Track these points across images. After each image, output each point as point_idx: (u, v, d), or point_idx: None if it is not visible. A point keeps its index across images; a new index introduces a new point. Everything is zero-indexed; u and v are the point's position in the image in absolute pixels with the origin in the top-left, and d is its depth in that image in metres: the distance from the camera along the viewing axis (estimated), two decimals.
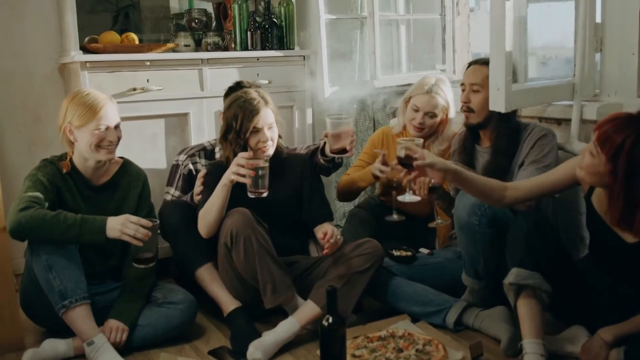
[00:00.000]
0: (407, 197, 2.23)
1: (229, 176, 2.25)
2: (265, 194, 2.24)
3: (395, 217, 2.29)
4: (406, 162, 1.97)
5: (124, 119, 2.79)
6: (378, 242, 2.39)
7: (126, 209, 2.34)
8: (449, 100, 2.72)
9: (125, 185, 2.39)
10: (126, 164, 2.44)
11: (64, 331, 2.20)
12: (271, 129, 2.42)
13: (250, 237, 2.23)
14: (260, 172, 2.21)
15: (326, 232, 2.34)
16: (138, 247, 2.09)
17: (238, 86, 2.69)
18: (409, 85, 3.29)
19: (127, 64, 2.82)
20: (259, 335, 2.25)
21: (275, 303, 2.27)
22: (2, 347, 2.25)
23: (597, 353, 1.96)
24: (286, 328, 2.22)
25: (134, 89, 2.82)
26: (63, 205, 2.22)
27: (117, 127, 2.29)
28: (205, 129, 2.99)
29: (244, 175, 2.20)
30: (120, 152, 2.80)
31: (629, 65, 2.48)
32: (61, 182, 2.26)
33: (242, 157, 2.22)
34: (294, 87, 3.24)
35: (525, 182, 2.14)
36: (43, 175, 2.22)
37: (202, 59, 3.00)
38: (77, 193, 2.29)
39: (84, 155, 2.28)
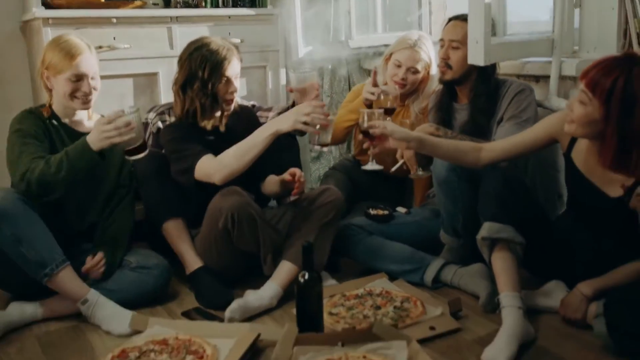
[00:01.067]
0: (369, 166, 2.22)
1: (286, 123, 2.11)
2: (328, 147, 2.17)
3: (369, 166, 2.22)
4: (369, 132, 2.05)
5: None
6: (337, 189, 2.35)
7: (113, 160, 2.28)
8: (432, 57, 2.67)
9: None
10: None
11: (31, 295, 2.13)
12: (237, 79, 2.35)
13: (252, 215, 2.17)
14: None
15: (294, 172, 2.33)
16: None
17: None
18: (385, 45, 3.24)
19: (92, 21, 2.70)
20: (228, 292, 2.23)
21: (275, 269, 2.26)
22: None
23: (577, 307, 1.96)
24: (269, 294, 2.18)
25: (100, 47, 2.70)
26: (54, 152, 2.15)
27: (93, 78, 2.20)
28: None
29: (306, 123, 2.09)
30: None
31: (608, 21, 2.44)
32: (49, 128, 2.19)
33: (311, 105, 2.10)
34: (267, 47, 3.15)
35: (501, 142, 2.11)
36: (28, 127, 2.14)
37: (171, 17, 2.89)
38: (60, 140, 2.21)
39: (62, 103, 2.21)
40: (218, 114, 2.37)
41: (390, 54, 2.70)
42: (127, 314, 2.05)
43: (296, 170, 2.34)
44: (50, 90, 2.22)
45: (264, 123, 2.59)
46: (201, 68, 2.26)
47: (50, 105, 2.24)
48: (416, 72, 2.65)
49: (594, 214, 2.03)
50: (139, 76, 2.85)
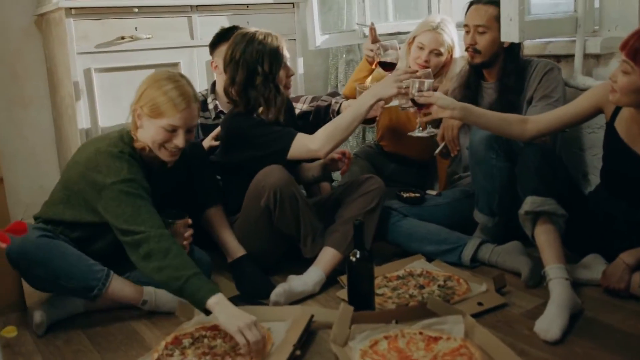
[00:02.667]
0: (417, 133, 2.22)
1: (389, 90, 2.12)
2: None
3: (417, 133, 2.21)
4: (417, 101, 2.06)
5: (112, 69, 2.71)
6: (378, 177, 2.36)
7: (177, 184, 2.24)
8: (454, 39, 2.68)
9: (178, 165, 2.16)
10: None
11: None
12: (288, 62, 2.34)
13: (294, 194, 2.17)
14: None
15: (344, 151, 2.37)
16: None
17: (230, 30, 2.60)
18: (398, 33, 3.26)
19: (114, 11, 2.68)
20: (270, 282, 2.21)
21: (315, 252, 2.25)
22: (5, 307, 2.15)
23: (620, 277, 1.98)
24: (313, 279, 2.17)
25: (122, 38, 2.69)
26: None
27: (190, 130, 2.02)
28: (196, 80, 2.88)
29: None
30: (110, 104, 2.72)
31: None
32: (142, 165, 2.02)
33: (405, 70, 2.15)
34: (284, 36, 3.12)
35: (546, 115, 2.14)
36: (141, 179, 1.94)
37: (191, 6, 2.88)
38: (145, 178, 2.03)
39: (147, 144, 2.02)
40: (282, 103, 2.31)
41: (413, 37, 2.71)
42: None
43: (345, 149, 2.36)
44: (136, 127, 2.01)
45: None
46: (259, 62, 2.22)
47: (136, 139, 2.02)
48: (439, 54, 2.66)
49: (633, 184, 2.05)
50: (161, 66, 2.81)
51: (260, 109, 2.27)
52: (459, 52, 2.70)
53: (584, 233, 2.16)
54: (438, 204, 2.52)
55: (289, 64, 2.32)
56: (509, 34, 2.21)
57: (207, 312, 1.75)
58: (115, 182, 1.89)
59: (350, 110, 2.20)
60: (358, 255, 1.85)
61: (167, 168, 2.09)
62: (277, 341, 1.79)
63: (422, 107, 2.07)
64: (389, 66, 2.43)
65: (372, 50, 2.48)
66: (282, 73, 2.28)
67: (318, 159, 2.31)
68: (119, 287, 2.01)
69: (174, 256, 1.79)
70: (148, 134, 1.99)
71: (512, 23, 2.18)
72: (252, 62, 2.23)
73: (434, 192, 2.61)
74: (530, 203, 2.03)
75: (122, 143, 2.00)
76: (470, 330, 1.75)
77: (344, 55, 3.39)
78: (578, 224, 2.12)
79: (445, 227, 2.42)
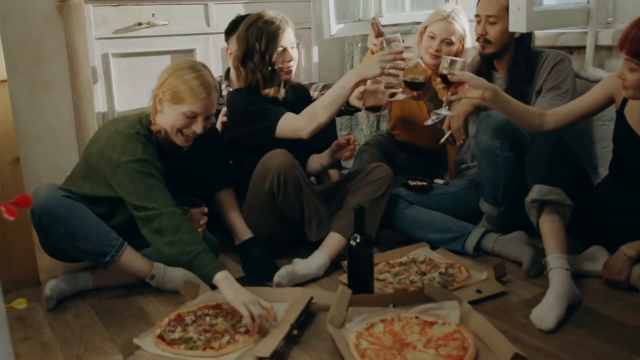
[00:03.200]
0: (444, 111, 2.21)
1: (373, 70, 2.15)
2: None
3: (443, 111, 2.19)
4: (447, 78, 2.04)
5: (129, 54, 2.77)
6: (387, 166, 2.39)
7: (193, 166, 2.31)
8: (466, 29, 2.69)
9: (194, 148, 2.23)
10: None
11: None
12: (294, 49, 2.38)
13: (297, 178, 2.22)
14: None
15: (349, 138, 2.39)
16: None
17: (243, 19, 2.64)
18: (414, 23, 3.27)
19: None
20: (275, 265, 2.25)
21: (321, 236, 2.29)
22: (19, 282, 2.22)
23: (621, 269, 1.98)
24: (317, 263, 2.21)
25: (140, 24, 2.75)
26: None
27: (208, 118, 2.10)
28: (212, 66, 2.93)
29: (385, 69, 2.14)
30: (126, 89, 2.79)
31: None
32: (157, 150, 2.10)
33: (391, 51, 2.16)
34: (299, 24, 3.16)
35: (561, 107, 2.14)
36: (155, 160, 2.03)
37: None
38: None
39: (165, 128, 2.11)
40: (279, 83, 2.38)
41: (425, 27, 2.72)
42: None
43: (351, 136, 2.40)
44: (156, 111, 2.10)
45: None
46: (258, 40, 2.30)
47: (154, 122, 2.12)
48: (450, 43, 2.66)
49: None
50: (177, 52, 2.89)
51: (260, 88, 2.33)
52: (471, 42, 2.70)
53: (590, 224, 2.16)
54: (445, 193, 2.54)
55: (291, 49, 2.35)
56: (516, 23, 2.22)
57: (214, 287, 1.84)
58: (130, 161, 1.98)
59: (333, 90, 2.23)
60: (358, 240, 1.88)
61: (183, 151, 2.17)
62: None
63: (451, 85, 2.05)
64: None
65: (375, 45, 2.50)
66: (279, 56, 2.33)
67: (304, 140, 2.31)
68: (131, 257, 2.08)
69: (184, 233, 1.89)
70: (168, 119, 2.07)
71: (520, 13, 2.19)
72: (252, 39, 2.31)
73: (441, 181, 2.62)
74: (537, 191, 2.03)
75: (140, 125, 2.09)
76: (465, 316, 1.78)
77: (360, 44, 3.41)
78: (585, 214, 2.12)
79: (452, 216, 2.43)
